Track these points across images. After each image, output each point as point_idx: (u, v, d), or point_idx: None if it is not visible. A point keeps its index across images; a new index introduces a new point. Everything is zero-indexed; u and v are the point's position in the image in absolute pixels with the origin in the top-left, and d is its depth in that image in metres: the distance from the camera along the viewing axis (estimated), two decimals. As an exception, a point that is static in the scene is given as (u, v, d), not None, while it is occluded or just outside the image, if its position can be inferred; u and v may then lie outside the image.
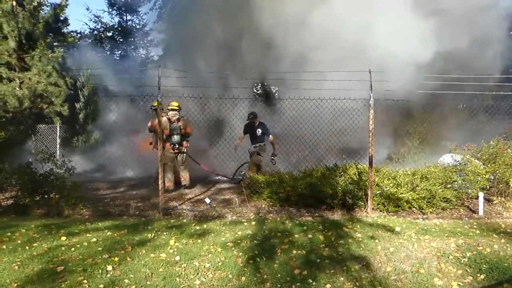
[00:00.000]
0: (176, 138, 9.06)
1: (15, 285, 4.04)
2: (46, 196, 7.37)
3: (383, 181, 7.53)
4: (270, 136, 9.66)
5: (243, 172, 9.94)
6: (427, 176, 7.63)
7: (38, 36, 12.93)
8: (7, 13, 12.28)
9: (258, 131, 9.64)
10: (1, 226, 6.10)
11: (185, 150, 9.32)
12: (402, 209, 7.23)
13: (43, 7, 13.70)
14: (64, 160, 7.76)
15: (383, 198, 7.29)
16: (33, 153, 8.55)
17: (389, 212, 7.19)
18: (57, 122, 13.60)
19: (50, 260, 4.71)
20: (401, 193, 7.22)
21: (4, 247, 5.10)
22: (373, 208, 7.19)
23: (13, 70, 12.81)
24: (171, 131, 9.03)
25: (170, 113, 9.04)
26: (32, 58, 12.75)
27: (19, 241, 5.35)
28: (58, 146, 13.57)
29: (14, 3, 12.53)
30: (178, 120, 9.06)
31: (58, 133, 13.68)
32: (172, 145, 9.06)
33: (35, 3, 13.17)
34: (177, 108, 9.19)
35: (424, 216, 7.02)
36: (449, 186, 7.56)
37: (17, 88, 12.75)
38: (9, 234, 5.63)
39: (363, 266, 4.64)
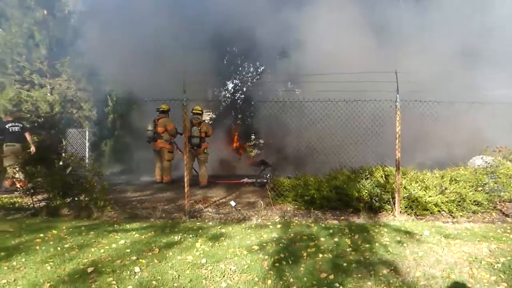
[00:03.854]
0: (194, 140, 9.71)
1: (48, 285, 4.16)
2: (76, 199, 7.58)
3: (411, 184, 7.39)
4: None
5: (268, 175, 9.98)
6: (457, 178, 7.45)
7: (68, 43, 13.34)
8: (38, 22, 12.73)
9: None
10: (35, 228, 6.31)
11: (205, 151, 10.05)
12: (431, 213, 7.07)
13: (72, 15, 14.10)
14: (93, 163, 7.95)
15: (410, 201, 7.15)
16: (63, 157, 8.79)
17: (417, 216, 7.05)
18: (86, 126, 13.99)
19: (81, 261, 4.83)
20: (430, 196, 7.06)
21: (38, 247, 5.27)
22: (400, 212, 7.06)
23: (45, 77, 13.24)
24: (191, 134, 9.61)
25: (193, 116, 9.52)
26: (63, 64, 13.17)
27: (51, 242, 5.52)
28: (87, 149, 13.91)
29: (45, 12, 12.97)
30: (199, 123, 9.55)
31: (87, 137, 14.02)
32: (191, 147, 9.63)
33: (65, 12, 13.60)
34: (200, 111, 9.60)
35: (454, 220, 6.84)
36: (480, 189, 7.35)
37: (48, 94, 13.18)
38: (41, 235, 5.82)
39: (391, 271, 4.56)
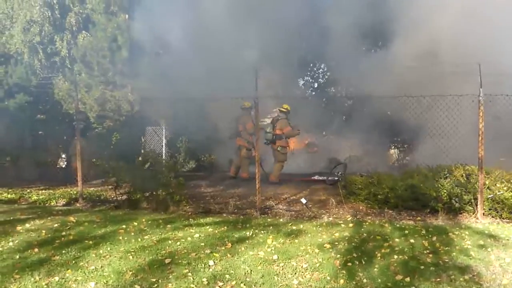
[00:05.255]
0: (267, 135, 9.97)
1: (130, 273, 4.45)
2: (154, 193, 8.01)
3: (495, 184, 6.87)
4: None
5: (339, 173, 9.81)
6: (551, 179, 6.79)
7: (145, 44, 14.08)
8: (120, 26, 13.57)
9: None
10: (118, 219, 6.79)
11: (278, 149, 10.04)
12: (520, 216, 6.52)
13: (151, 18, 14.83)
14: (169, 160, 8.36)
15: (495, 203, 6.65)
16: (142, 153, 9.34)
17: (503, 219, 6.54)
18: (162, 124, 14.67)
19: (159, 252, 5.11)
20: (518, 198, 6.51)
21: (120, 238, 5.66)
22: (483, 214, 6.59)
23: (126, 77, 14.09)
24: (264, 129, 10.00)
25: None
26: (141, 65, 13.91)
27: (132, 233, 5.89)
28: (163, 146, 14.59)
29: (127, 16, 13.80)
30: (277, 120, 9.73)
31: (163, 134, 14.69)
32: (265, 142, 9.95)
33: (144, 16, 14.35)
34: (284, 110, 10.14)
35: (547, 225, 6.24)
36: None
37: (129, 94, 14.00)
38: (124, 226, 6.24)
39: (473, 277, 4.28)
